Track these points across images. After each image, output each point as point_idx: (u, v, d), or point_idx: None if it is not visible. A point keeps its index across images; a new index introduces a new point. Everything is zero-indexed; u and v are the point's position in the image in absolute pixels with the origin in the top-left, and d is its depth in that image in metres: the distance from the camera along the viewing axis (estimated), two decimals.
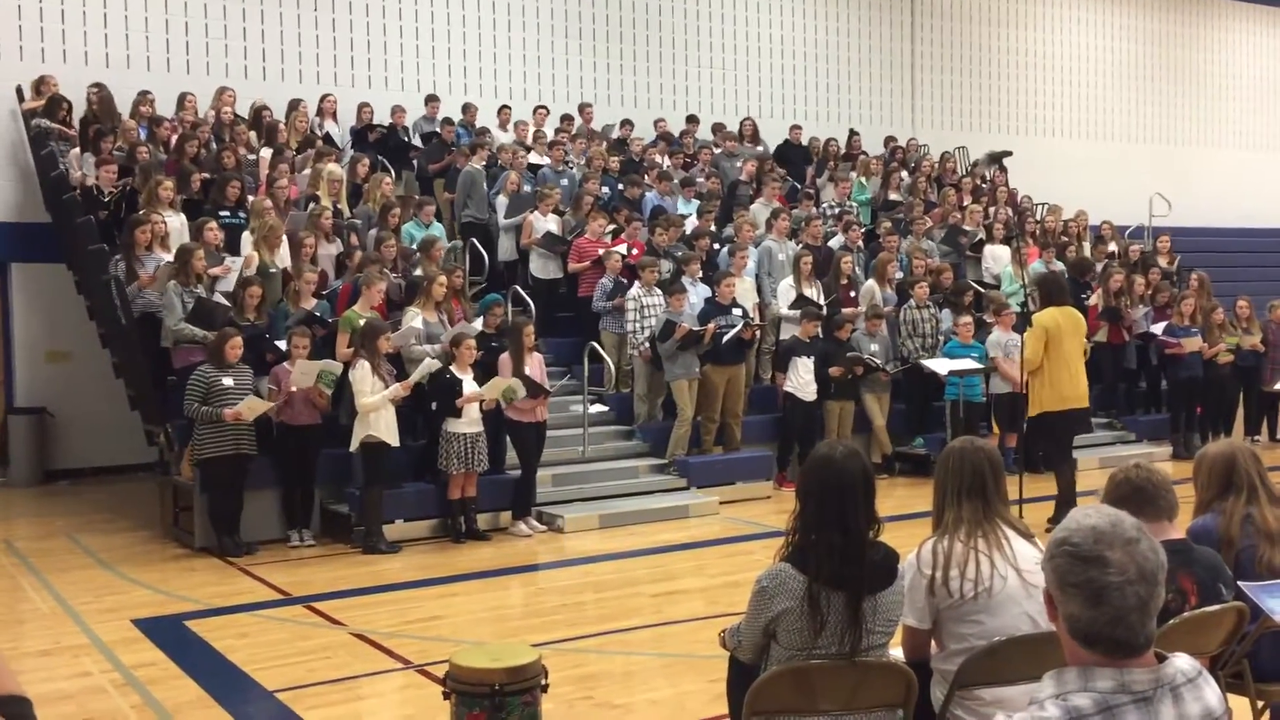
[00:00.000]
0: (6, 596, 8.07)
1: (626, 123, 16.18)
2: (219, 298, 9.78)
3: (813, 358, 11.54)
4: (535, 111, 15.45)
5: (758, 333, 11.78)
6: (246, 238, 10.66)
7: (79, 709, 5.77)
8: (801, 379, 11.48)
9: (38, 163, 12.63)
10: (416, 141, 14.64)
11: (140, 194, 10.85)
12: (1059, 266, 13.98)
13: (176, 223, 10.63)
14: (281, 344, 9.54)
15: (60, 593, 8.03)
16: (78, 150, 11.88)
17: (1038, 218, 16.33)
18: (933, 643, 3.76)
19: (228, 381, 8.96)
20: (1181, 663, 2.12)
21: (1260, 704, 4.05)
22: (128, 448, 12.26)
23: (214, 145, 12.40)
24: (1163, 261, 15.45)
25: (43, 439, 12.93)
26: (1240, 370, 13.66)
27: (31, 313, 13.21)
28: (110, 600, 7.84)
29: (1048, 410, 9.15)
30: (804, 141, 17.06)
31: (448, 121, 14.55)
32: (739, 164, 15.43)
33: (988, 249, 14.33)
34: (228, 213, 10.93)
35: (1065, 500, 9.14)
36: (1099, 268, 14.31)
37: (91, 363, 12.34)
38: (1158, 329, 13.57)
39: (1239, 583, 3.84)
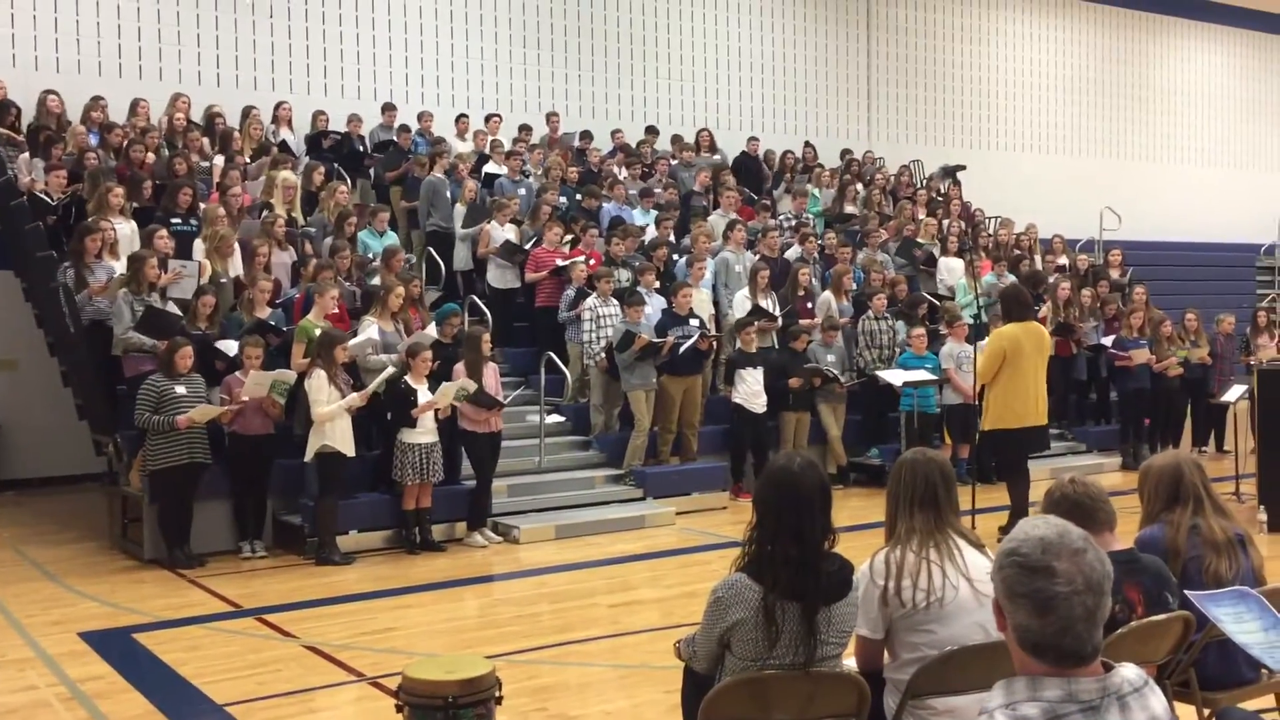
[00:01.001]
0: None
1: (586, 134, 16.20)
2: (171, 305, 9.65)
3: (760, 368, 11.59)
4: (489, 120, 15.40)
5: (714, 344, 11.81)
6: (198, 245, 10.55)
7: None
8: (749, 389, 11.52)
9: None
10: (371, 149, 14.55)
11: (89, 201, 10.70)
12: (1011, 279, 14.14)
13: (127, 230, 10.50)
14: (226, 345, 9.43)
15: (5, 605, 7.88)
16: (26, 155, 11.70)
17: (990, 231, 16.51)
18: (885, 653, 3.78)
19: (180, 390, 8.85)
20: (1128, 672, 2.15)
21: (1207, 712, 4.10)
22: (76, 458, 12.07)
23: (165, 152, 12.26)
24: (1114, 274, 15.68)
25: None
26: (1188, 382, 13.87)
27: None
28: (57, 613, 7.71)
29: (1002, 427, 9.16)
30: (760, 154, 17.17)
31: (404, 129, 14.49)
32: (703, 174, 15.51)
33: (942, 261, 14.49)
34: (179, 220, 10.81)
35: (1019, 512, 9.19)
36: (1050, 279, 14.49)
37: (39, 371, 12.14)
38: (1107, 341, 13.77)
39: (1186, 592, 3.90)
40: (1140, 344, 13.51)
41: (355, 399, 9.15)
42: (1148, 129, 23.76)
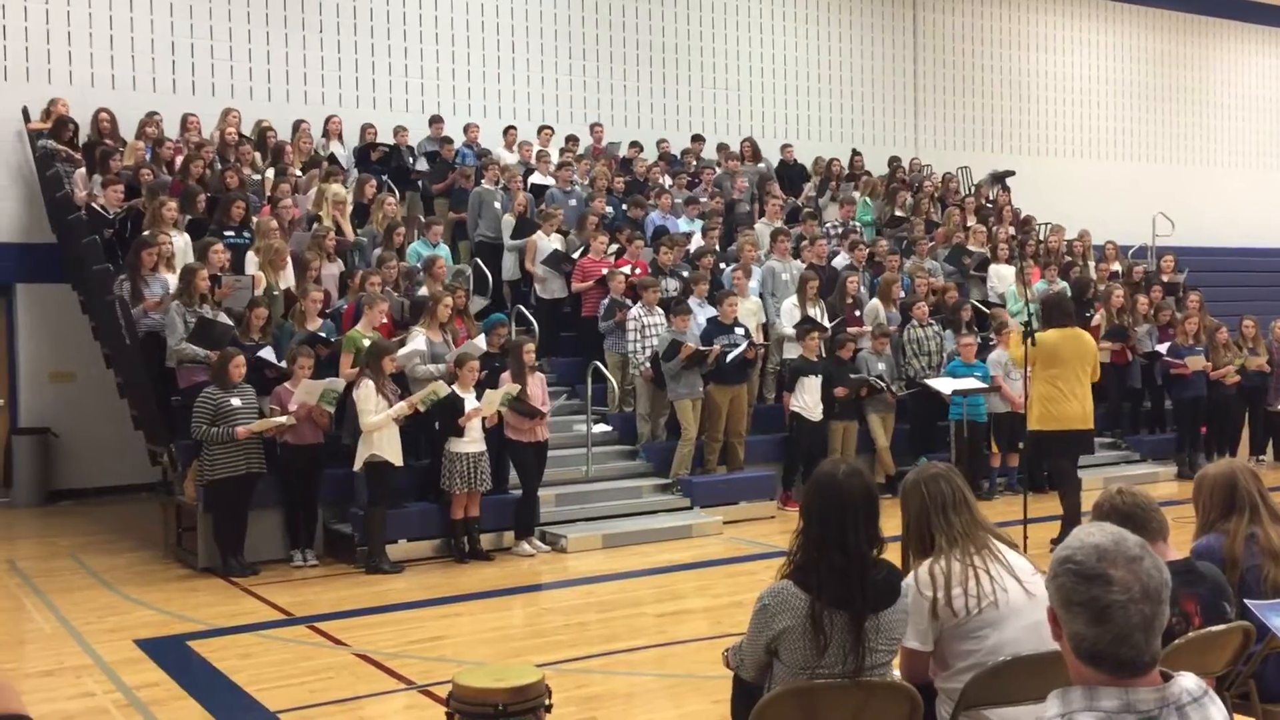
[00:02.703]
0: (9, 616, 8.06)
1: (635, 144, 16.24)
2: (222, 316, 9.79)
3: (819, 377, 11.54)
4: (540, 132, 15.50)
5: (761, 352, 11.76)
6: (251, 257, 10.69)
7: None
8: (811, 398, 11.48)
9: (43, 183, 12.68)
10: (419, 162, 14.66)
11: (145, 214, 10.88)
12: (1061, 286, 14.00)
13: (180, 243, 10.67)
14: (267, 354, 9.53)
15: (63, 613, 8.02)
16: (83, 171, 11.93)
17: (1040, 237, 16.34)
18: (934, 663, 3.74)
19: (235, 402, 8.97)
20: (1187, 682, 2.11)
21: None
22: (131, 468, 12.28)
23: (218, 165, 12.45)
24: (1166, 279, 15.45)
25: (46, 459, 12.94)
26: (1245, 390, 13.63)
27: (36, 333, 13.23)
28: (113, 620, 7.83)
29: (1043, 429, 9.15)
30: (802, 160, 17.10)
31: (447, 140, 14.59)
32: (741, 180, 15.50)
33: (992, 268, 14.36)
34: (232, 233, 10.96)
35: (1071, 521, 9.13)
36: (1101, 287, 14.31)
37: (96, 383, 12.36)
38: (1162, 349, 13.56)
39: (1246, 601, 3.83)
40: (1196, 351, 13.30)
41: (402, 408, 9.22)
42: (1200, 133, 23.42)
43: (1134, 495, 3.81)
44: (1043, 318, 9.66)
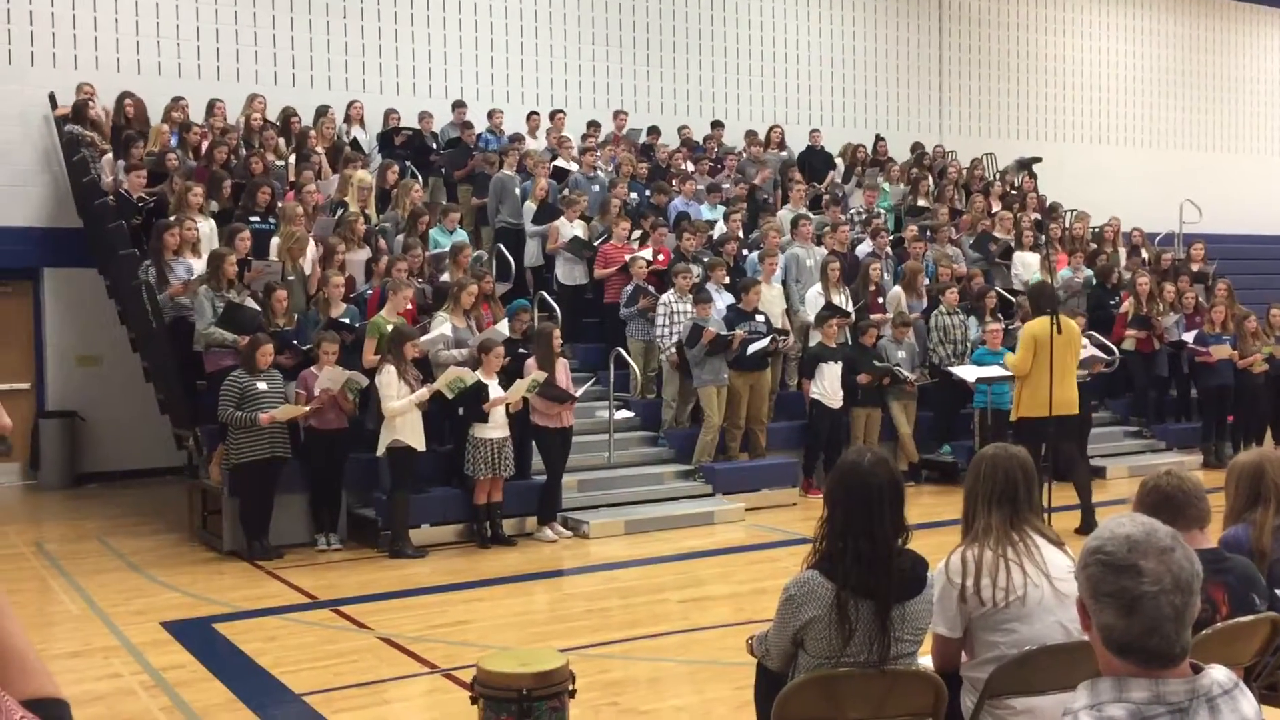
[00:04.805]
0: (37, 598, 8.15)
1: (654, 130, 16.19)
2: (249, 301, 9.84)
3: (839, 363, 11.50)
4: (554, 116, 15.42)
5: (779, 344, 11.68)
6: (276, 243, 10.73)
7: (108, 710, 5.82)
8: (830, 385, 11.44)
9: (70, 168, 12.75)
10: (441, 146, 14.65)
11: (171, 199, 10.94)
12: (1087, 273, 13.92)
13: (206, 228, 10.71)
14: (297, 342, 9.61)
15: (90, 595, 8.10)
16: (110, 156, 11.98)
17: (1066, 224, 16.23)
18: (963, 651, 3.73)
19: (262, 385, 9.02)
20: (1218, 674, 2.10)
21: None
22: (157, 451, 12.37)
23: (243, 151, 12.49)
24: (1195, 268, 15.31)
25: (73, 442, 13.05)
26: (1273, 379, 13.49)
27: (63, 317, 13.34)
28: (140, 603, 7.90)
29: (1031, 415, 9.17)
30: (827, 146, 17.00)
31: (468, 125, 14.57)
32: (765, 170, 15.43)
33: (1017, 256, 14.27)
34: (258, 218, 11.00)
35: (1086, 509, 9.32)
36: (1127, 275, 14.21)
37: (122, 367, 12.44)
38: (1188, 337, 13.45)
39: (1277, 591, 3.80)
40: (1222, 340, 13.18)
41: (423, 393, 9.24)
42: (1229, 120, 23.16)
43: (1180, 480, 3.73)
44: (1030, 306, 9.78)
